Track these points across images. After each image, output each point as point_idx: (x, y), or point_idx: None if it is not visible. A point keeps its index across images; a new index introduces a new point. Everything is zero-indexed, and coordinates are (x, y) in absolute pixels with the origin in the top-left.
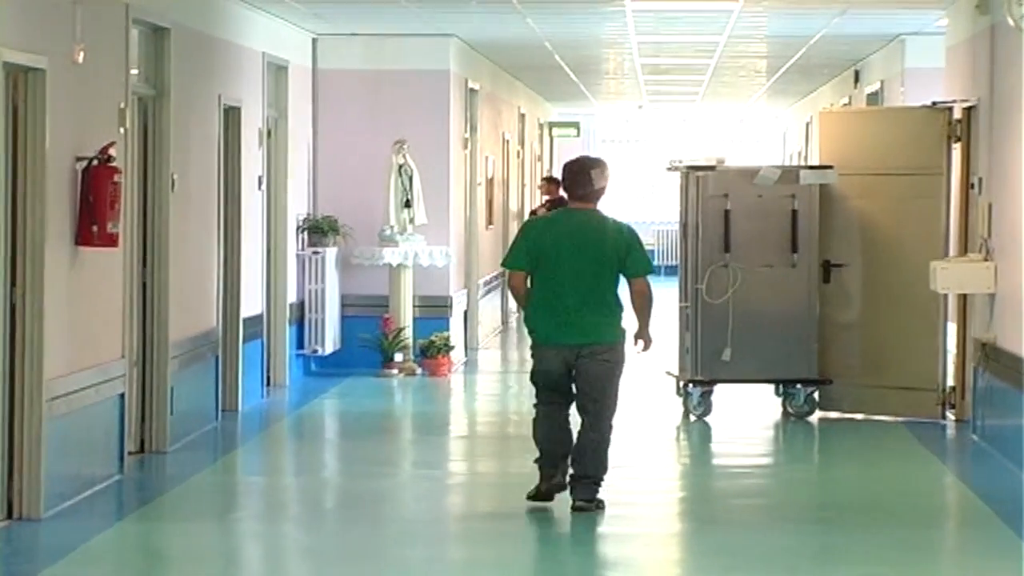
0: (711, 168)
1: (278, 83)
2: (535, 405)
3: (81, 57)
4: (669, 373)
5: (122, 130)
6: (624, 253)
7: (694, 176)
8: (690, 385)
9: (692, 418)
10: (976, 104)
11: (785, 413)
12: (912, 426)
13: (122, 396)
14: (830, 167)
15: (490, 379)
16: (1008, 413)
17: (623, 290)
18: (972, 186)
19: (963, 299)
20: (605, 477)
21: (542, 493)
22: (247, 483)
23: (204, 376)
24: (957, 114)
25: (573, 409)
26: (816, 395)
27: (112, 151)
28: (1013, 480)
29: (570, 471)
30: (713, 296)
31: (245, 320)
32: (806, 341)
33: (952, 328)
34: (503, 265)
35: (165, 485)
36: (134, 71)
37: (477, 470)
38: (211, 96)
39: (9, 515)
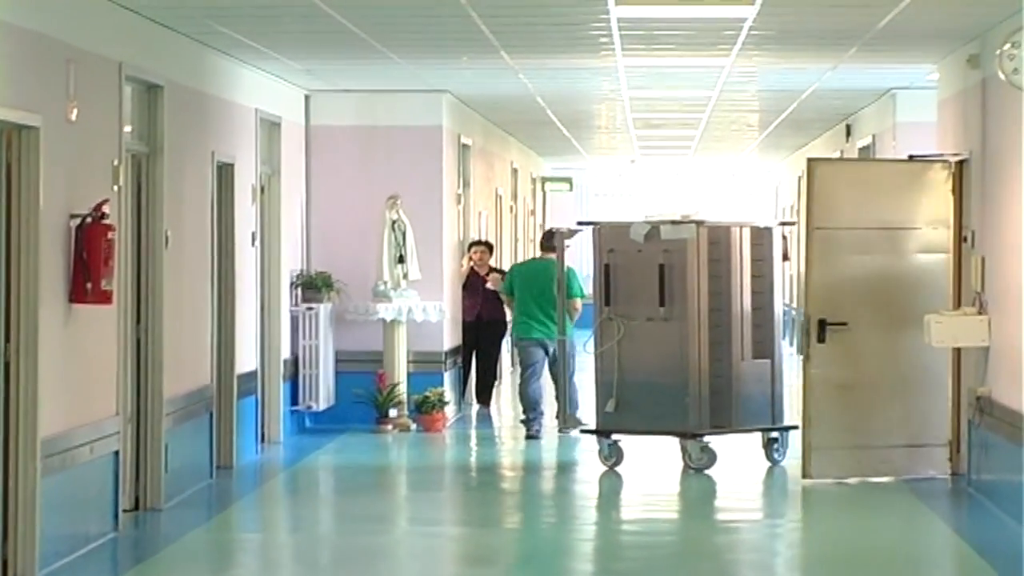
0: (594, 224)
1: (271, 139)
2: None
3: (75, 115)
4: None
5: (116, 187)
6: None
7: (593, 232)
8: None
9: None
10: (968, 158)
11: (771, 466)
12: (908, 480)
13: (116, 453)
14: (691, 223)
15: (485, 434)
16: (1004, 466)
17: None
18: (965, 239)
19: (957, 353)
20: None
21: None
22: (242, 540)
23: (199, 433)
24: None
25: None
26: (711, 447)
27: (106, 208)
28: (1011, 534)
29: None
30: (601, 348)
31: (239, 376)
32: (679, 394)
33: (948, 382)
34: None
35: (160, 543)
36: (127, 128)
37: (472, 526)
38: (204, 153)
39: (4, 574)
